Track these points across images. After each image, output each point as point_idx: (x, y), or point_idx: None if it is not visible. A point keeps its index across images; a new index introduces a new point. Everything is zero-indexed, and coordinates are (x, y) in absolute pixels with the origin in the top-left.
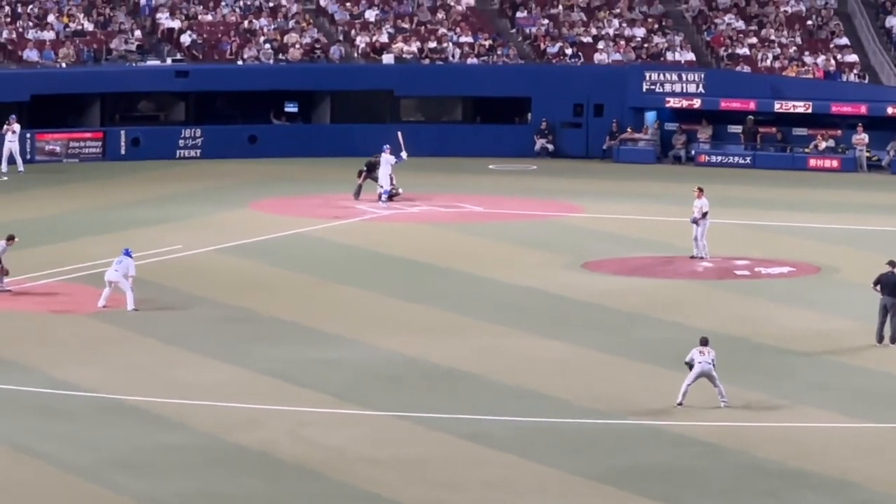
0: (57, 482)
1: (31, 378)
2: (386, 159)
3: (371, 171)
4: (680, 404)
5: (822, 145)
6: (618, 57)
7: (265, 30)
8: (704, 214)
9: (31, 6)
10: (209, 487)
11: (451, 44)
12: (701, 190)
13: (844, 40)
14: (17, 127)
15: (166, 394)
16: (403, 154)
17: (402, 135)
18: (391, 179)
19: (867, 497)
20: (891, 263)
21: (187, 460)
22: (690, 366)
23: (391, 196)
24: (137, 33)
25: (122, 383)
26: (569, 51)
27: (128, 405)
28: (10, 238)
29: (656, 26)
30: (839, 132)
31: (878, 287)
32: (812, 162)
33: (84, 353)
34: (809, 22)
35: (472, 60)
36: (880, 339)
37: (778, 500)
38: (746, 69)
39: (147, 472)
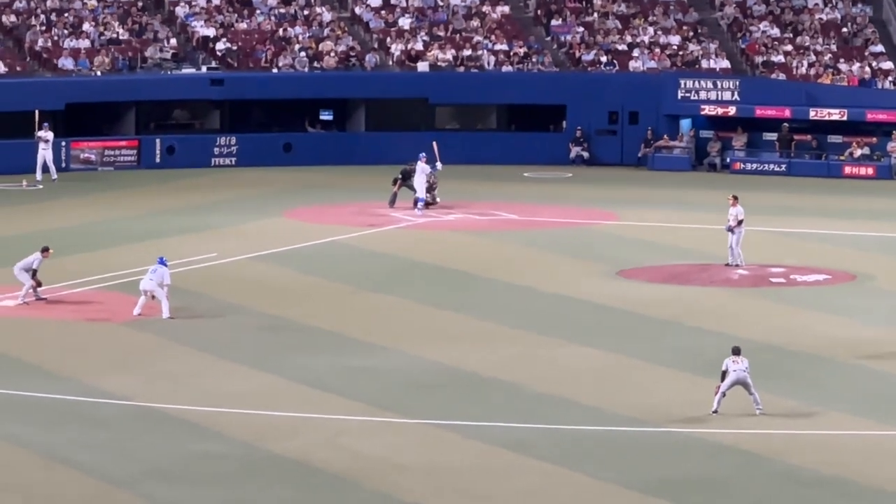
0: (93, 491)
1: (67, 386)
2: (421, 168)
3: (406, 179)
4: (715, 412)
5: (858, 153)
6: (653, 64)
7: (300, 38)
8: (740, 222)
9: (66, 14)
10: (245, 497)
11: (485, 51)
12: (736, 198)
13: (880, 47)
14: (49, 135)
15: (202, 402)
16: (438, 164)
17: (437, 145)
18: (433, 188)
19: None
20: None
21: (223, 469)
22: (725, 375)
23: (427, 204)
24: (172, 41)
25: (157, 392)
26: (604, 58)
27: (164, 414)
28: (46, 250)
29: (691, 34)
30: (874, 139)
31: None
32: (847, 169)
33: (120, 362)
34: (844, 29)
35: (506, 68)
36: None
37: None
38: (781, 76)
39: (183, 482)
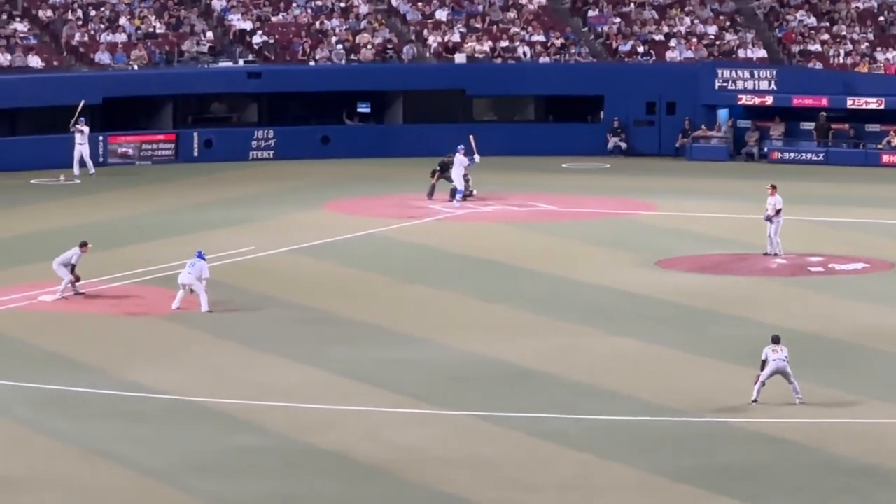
0: (133, 485)
1: (106, 381)
2: (459, 160)
3: (444, 170)
4: (755, 401)
5: (895, 141)
6: (690, 55)
7: (337, 30)
8: (778, 212)
9: (102, 9)
10: (285, 490)
11: (522, 43)
12: (774, 187)
13: None
14: (86, 129)
15: (242, 395)
16: (476, 157)
17: (474, 137)
18: (467, 181)
19: None
20: None
21: (263, 462)
22: (764, 364)
23: (465, 196)
24: (209, 35)
25: (197, 385)
26: (641, 49)
27: (203, 407)
28: (84, 245)
29: (728, 23)
30: None
31: None
32: (885, 158)
33: (158, 356)
34: (881, 18)
35: (544, 59)
36: None
37: (855, 496)
38: (818, 66)
39: (223, 475)
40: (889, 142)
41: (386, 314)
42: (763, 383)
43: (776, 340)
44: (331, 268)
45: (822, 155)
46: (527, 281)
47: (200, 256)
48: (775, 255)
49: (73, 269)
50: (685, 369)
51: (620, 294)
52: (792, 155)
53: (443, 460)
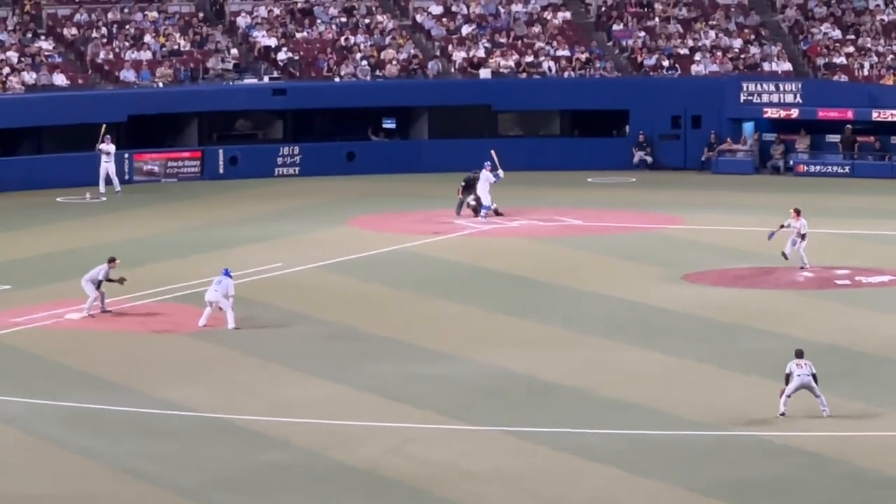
0: (160, 502)
1: (133, 398)
2: (485, 176)
3: (469, 187)
4: (782, 414)
5: None
6: (715, 68)
7: (361, 46)
8: (803, 236)
9: (127, 27)
10: None
11: (547, 57)
12: (798, 212)
13: None
14: (111, 147)
15: (269, 412)
16: (500, 172)
17: (495, 153)
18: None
19: None
20: None
21: (291, 479)
22: (789, 378)
23: (492, 213)
24: (234, 52)
25: (224, 402)
26: (665, 63)
27: (231, 424)
28: (112, 260)
29: (753, 37)
30: None
31: None
32: None
33: (186, 373)
34: None
35: (568, 74)
36: None
37: None
38: (844, 78)
39: (251, 491)
40: None
41: (413, 330)
42: (788, 396)
43: (800, 355)
44: (357, 284)
45: (847, 167)
46: (553, 295)
47: (227, 274)
48: (801, 268)
49: (99, 284)
50: (713, 383)
51: (647, 308)
52: (818, 168)
53: (471, 475)
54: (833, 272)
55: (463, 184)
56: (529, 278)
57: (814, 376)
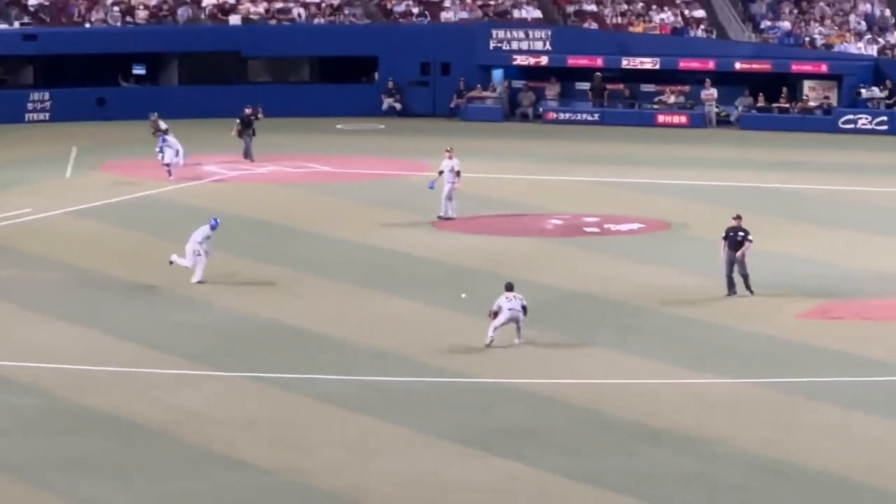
0: None
1: None
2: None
3: (246, 127)
4: (489, 345)
5: (671, 101)
6: (464, 15)
7: None
8: (458, 174)
9: None
10: (61, 452)
11: (297, 4)
12: (450, 150)
13: None
14: None
15: (17, 357)
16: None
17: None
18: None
19: (717, 452)
20: (737, 217)
21: (39, 424)
22: (497, 313)
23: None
24: None
25: None
26: (415, 10)
27: None
28: None
29: None
30: (687, 88)
31: (725, 241)
32: (661, 118)
33: None
34: None
35: (318, 20)
36: (731, 290)
37: (631, 457)
38: (593, 26)
39: None
40: (664, 101)
41: (162, 275)
42: (496, 329)
43: (510, 288)
44: (109, 229)
45: (597, 115)
46: (302, 242)
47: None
48: (448, 218)
49: None
50: (461, 330)
51: (396, 255)
52: (567, 115)
53: (220, 421)
54: (582, 219)
55: (238, 125)
56: (278, 224)
57: (524, 308)
